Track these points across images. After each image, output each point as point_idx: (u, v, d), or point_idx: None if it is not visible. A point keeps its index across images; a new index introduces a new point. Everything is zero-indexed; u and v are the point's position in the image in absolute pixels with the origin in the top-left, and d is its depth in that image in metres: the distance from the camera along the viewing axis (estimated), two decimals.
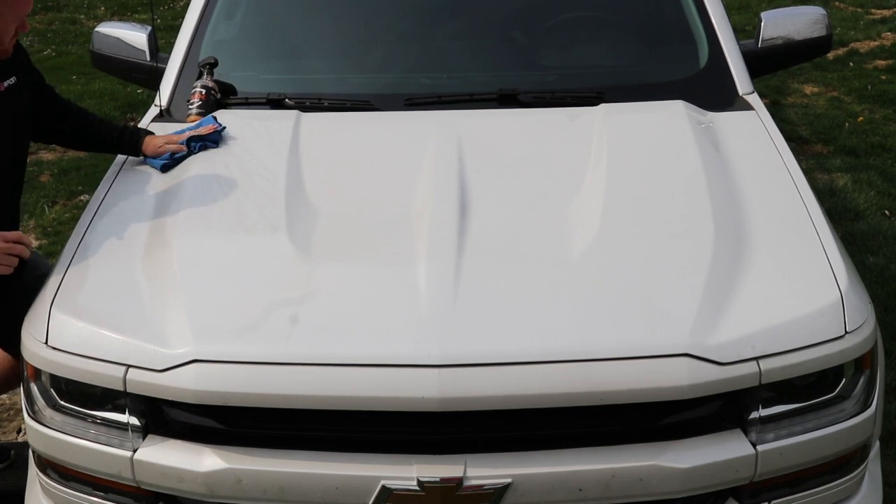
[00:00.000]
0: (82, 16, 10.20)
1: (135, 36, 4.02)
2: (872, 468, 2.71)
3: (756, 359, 2.38)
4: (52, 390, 2.59)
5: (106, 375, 2.46)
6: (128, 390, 2.44)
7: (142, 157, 3.28)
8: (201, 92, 3.51)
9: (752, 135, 3.30)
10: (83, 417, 2.55)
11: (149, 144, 3.26)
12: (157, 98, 3.71)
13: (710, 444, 2.41)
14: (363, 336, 2.42)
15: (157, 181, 3.16)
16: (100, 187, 3.18)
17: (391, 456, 2.39)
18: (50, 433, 2.58)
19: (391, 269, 2.65)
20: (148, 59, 3.96)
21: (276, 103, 3.55)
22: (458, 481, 2.34)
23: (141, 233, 2.88)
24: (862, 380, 2.53)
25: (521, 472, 2.36)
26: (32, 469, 2.79)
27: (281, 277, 2.62)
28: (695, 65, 3.75)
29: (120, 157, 3.34)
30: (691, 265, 2.60)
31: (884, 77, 7.70)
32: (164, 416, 2.47)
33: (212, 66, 3.58)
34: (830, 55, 7.68)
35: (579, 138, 3.23)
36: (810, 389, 2.48)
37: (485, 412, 2.36)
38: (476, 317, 2.43)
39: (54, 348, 2.54)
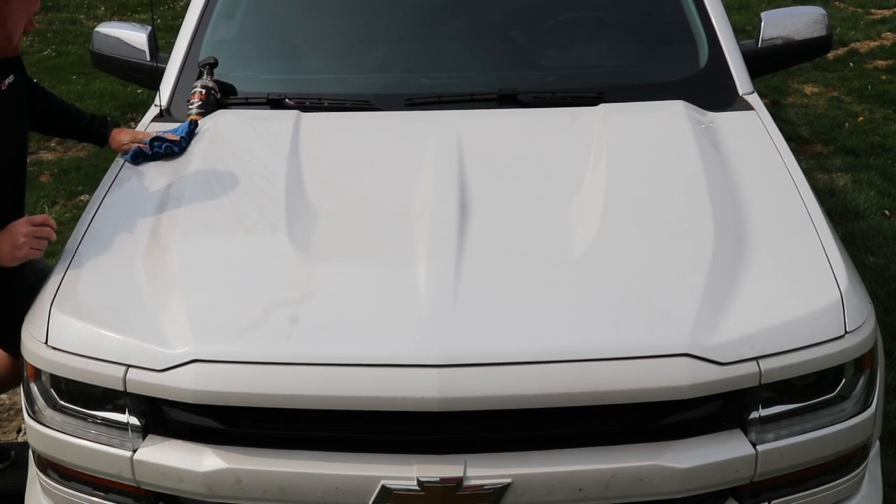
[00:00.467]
0: (82, 16, 10.20)
1: (135, 36, 4.03)
2: (872, 468, 2.71)
3: (756, 359, 2.38)
4: (52, 390, 2.59)
5: (106, 375, 2.46)
6: (128, 390, 2.45)
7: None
8: (201, 92, 3.51)
9: (752, 135, 3.30)
10: (83, 417, 2.55)
11: (115, 139, 3.33)
12: (157, 98, 3.71)
13: (710, 444, 2.41)
14: (363, 336, 2.42)
15: (157, 181, 3.16)
16: (100, 187, 3.18)
17: (391, 456, 2.40)
18: (50, 433, 2.58)
19: (391, 269, 2.65)
20: (148, 59, 3.97)
21: (276, 103, 3.55)
22: (458, 481, 2.34)
23: (141, 233, 2.88)
24: (862, 380, 2.53)
25: (520, 472, 2.36)
26: (32, 469, 2.80)
27: (281, 277, 2.62)
28: (695, 65, 3.74)
29: (120, 158, 3.34)
30: (691, 265, 2.60)
31: (884, 77, 7.71)
32: (164, 416, 2.47)
33: (212, 66, 3.58)
34: (830, 55, 7.68)
35: (579, 138, 3.23)
36: (810, 389, 2.48)
37: (485, 412, 2.36)
38: (476, 317, 2.43)
39: (54, 348, 2.54)
